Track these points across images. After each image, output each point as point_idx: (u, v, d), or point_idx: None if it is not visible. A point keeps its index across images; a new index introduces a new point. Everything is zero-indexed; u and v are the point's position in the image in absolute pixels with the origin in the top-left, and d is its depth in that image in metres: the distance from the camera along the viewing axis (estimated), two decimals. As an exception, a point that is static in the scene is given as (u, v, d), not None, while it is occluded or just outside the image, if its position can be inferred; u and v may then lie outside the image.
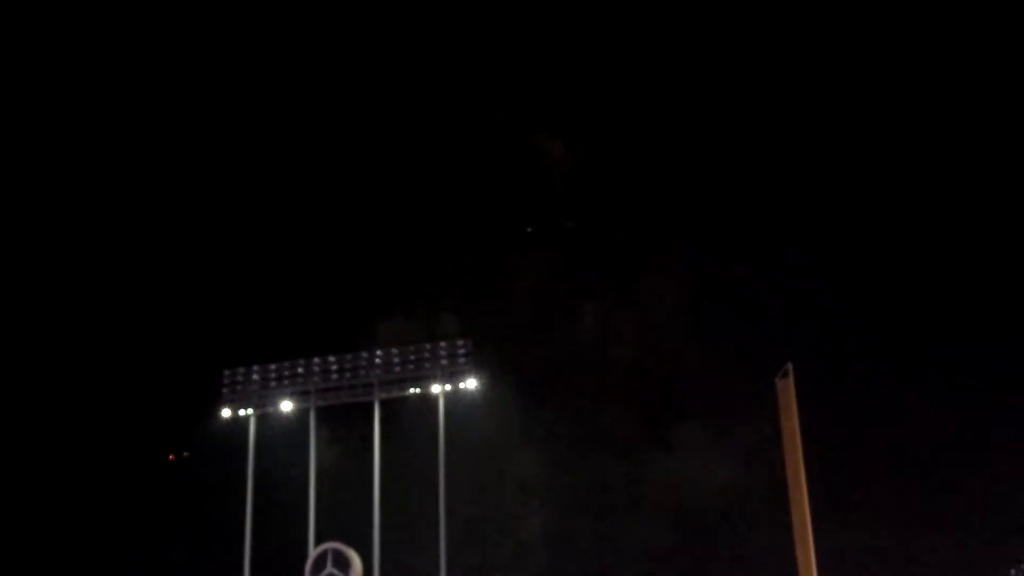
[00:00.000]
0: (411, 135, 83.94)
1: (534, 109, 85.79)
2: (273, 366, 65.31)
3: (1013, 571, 52.70)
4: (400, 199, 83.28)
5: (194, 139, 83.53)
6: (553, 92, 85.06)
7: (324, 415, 66.05)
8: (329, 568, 60.50)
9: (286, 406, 65.39)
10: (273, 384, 65.13)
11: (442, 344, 64.08)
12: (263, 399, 65.32)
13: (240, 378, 65.17)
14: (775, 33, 79.56)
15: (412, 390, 64.38)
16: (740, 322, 75.34)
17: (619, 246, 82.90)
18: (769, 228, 76.43)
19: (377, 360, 64.25)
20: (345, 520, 65.13)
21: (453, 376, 63.88)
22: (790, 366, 52.72)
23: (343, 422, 68.37)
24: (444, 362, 63.74)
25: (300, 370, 64.96)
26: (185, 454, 78.52)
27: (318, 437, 65.57)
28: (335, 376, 64.64)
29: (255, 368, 65.34)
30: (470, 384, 64.04)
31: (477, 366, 65.10)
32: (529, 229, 78.93)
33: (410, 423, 67.40)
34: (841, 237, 74.98)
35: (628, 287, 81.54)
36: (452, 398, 64.50)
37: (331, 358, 64.73)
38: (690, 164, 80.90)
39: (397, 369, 64.08)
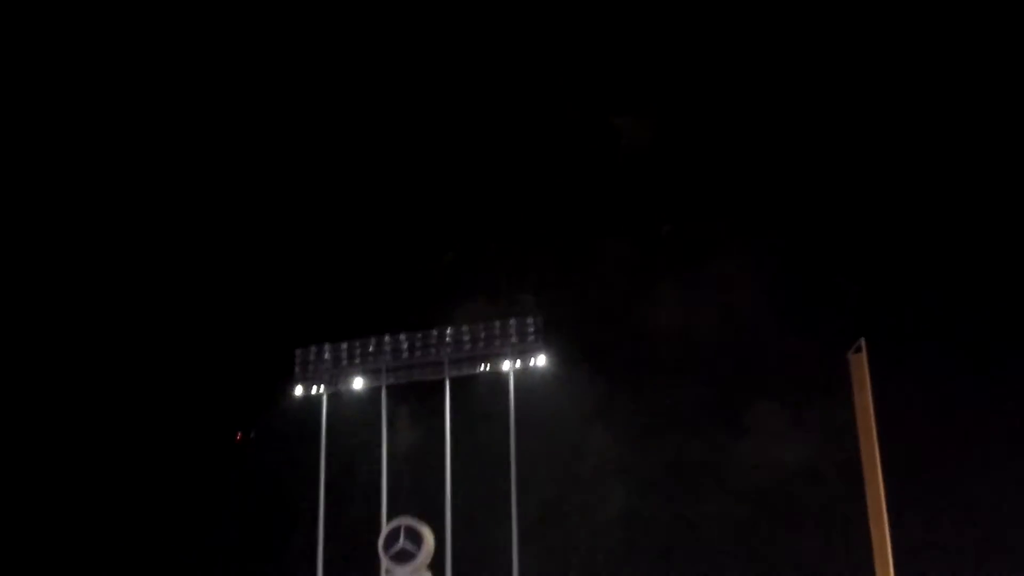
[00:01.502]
0: (488, 113, 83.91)
1: (612, 92, 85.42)
2: (344, 344, 65.63)
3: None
4: (476, 179, 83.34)
5: (268, 107, 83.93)
6: (630, 75, 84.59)
7: (396, 393, 66.32)
8: (401, 543, 60.68)
9: (357, 384, 65.77)
10: (344, 362, 65.45)
11: (512, 322, 63.82)
12: (335, 377, 65.75)
13: (312, 357, 65.62)
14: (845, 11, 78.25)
15: (482, 367, 64.29)
16: (816, 299, 74.31)
17: (695, 226, 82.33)
18: (844, 202, 75.27)
19: (447, 338, 64.19)
20: (417, 497, 65.42)
21: (523, 354, 63.63)
22: (863, 341, 51.87)
23: (415, 400, 68.68)
24: (514, 340, 63.49)
25: (371, 348, 65.20)
26: (251, 434, 79.36)
27: (390, 415, 65.82)
28: (406, 354, 64.79)
29: (326, 347, 65.71)
30: (540, 362, 63.76)
31: (550, 344, 64.85)
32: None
33: (482, 401, 67.45)
34: (916, 208, 73.58)
35: (703, 266, 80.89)
36: (524, 376, 64.30)
37: (402, 336, 64.91)
38: (764, 141, 79.96)
39: (467, 347, 63.97)
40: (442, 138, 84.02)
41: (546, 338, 64.38)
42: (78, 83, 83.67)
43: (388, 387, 65.48)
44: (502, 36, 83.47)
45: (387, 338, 65.28)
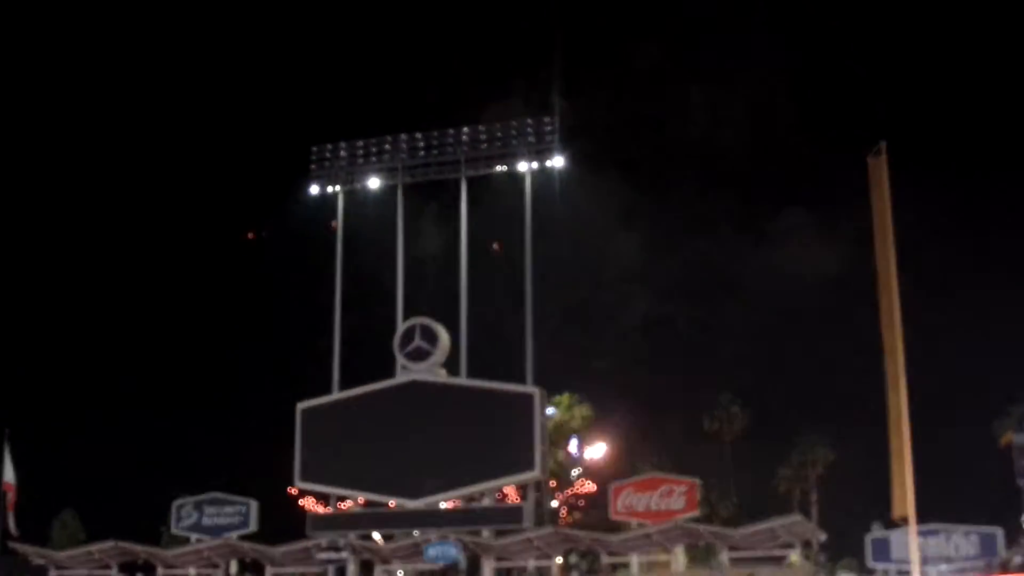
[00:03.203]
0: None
1: None
2: (361, 142, 64.64)
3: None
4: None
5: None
6: None
7: (412, 193, 65.53)
8: (417, 341, 60.85)
9: (373, 183, 64.98)
10: (361, 160, 64.56)
11: (528, 121, 62.34)
12: (351, 175, 64.95)
13: (328, 154, 64.74)
14: None
15: (499, 167, 63.20)
16: (842, 106, 72.69)
17: (724, 34, 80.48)
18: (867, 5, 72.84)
19: (464, 137, 62.96)
20: (434, 297, 65.32)
21: (540, 154, 62.20)
22: (883, 144, 50.25)
23: (432, 199, 68.05)
24: (531, 139, 62.10)
25: (387, 146, 64.21)
26: (263, 233, 79.01)
27: (406, 215, 65.13)
28: (422, 152, 63.75)
29: (342, 144, 64.79)
30: (558, 163, 62.41)
31: (572, 147, 63.44)
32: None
33: (500, 202, 66.59)
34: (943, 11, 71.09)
35: (731, 71, 79.24)
36: (545, 178, 63.04)
37: (418, 134, 63.78)
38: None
39: (484, 146, 62.75)
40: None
41: (568, 140, 62.93)
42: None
43: (405, 186, 64.66)
44: None
45: (403, 136, 64.14)
